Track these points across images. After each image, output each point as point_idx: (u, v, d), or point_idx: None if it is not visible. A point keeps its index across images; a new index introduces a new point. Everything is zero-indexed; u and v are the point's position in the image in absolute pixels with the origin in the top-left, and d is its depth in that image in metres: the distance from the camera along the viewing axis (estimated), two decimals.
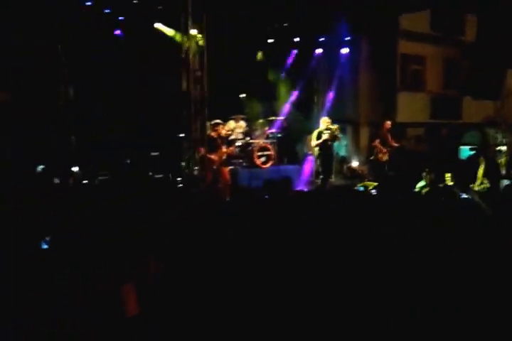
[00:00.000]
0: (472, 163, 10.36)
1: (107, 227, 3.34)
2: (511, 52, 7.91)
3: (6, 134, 8.29)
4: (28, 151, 8.10)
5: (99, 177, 9.28)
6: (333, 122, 10.61)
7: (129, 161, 10.14)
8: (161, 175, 10.03)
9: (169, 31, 10.15)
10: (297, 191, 6.95)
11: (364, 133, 13.42)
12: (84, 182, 8.77)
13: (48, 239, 3.34)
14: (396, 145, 10.95)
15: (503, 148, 10.80)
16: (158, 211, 4.62)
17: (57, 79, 10.36)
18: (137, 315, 2.33)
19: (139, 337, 2.27)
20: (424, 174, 7.76)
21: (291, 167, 11.39)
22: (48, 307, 2.29)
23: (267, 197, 5.30)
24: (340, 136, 10.67)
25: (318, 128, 10.48)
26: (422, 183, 7.62)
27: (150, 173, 9.99)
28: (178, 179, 9.57)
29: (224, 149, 9.24)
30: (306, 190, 8.97)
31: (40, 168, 8.58)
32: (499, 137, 11.64)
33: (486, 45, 8.11)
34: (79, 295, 2.33)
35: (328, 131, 10.22)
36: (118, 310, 2.30)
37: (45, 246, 3.29)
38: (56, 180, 8.16)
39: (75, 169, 9.25)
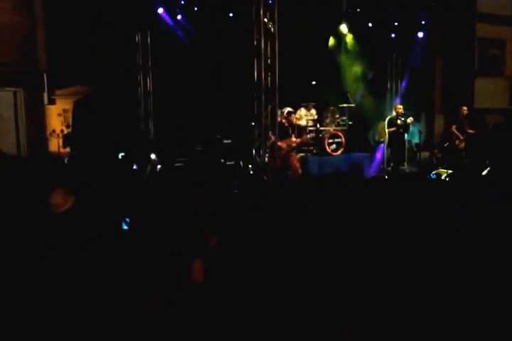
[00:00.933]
0: None
1: (179, 209, 3.59)
2: None
3: (91, 124, 8.86)
4: (110, 140, 8.63)
5: (175, 164, 9.71)
6: (406, 109, 10.38)
7: (201, 149, 10.49)
8: (232, 162, 10.31)
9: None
10: (366, 179, 6.94)
11: (439, 120, 12.98)
12: (159, 167, 9.22)
13: (127, 220, 3.65)
14: (471, 132, 10.55)
15: None
16: (224, 195, 4.86)
17: (136, 69, 10.91)
18: (203, 283, 2.80)
19: (204, 300, 2.71)
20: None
21: (361, 154, 11.27)
22: (130, 279, 2.60)
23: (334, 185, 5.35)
24: (410, 126, 10.48)
25: (390, 115, 10.32)
26: None
27: (222, 160, 10.29)
28: (249, 166, 9.80)
29: (293, 138, 9.33)
30: (375, 177, 8.90)
31: (121, 155, 9.12)
32: None
33: None
34: (157, 269, 2.68)
35: (401, 119, 10.04)
36: (189, 280, 2.76)
37: (125, 227, 3.61)
38: (135, 167, 8.64)
39: (153, 156, 9.74)
